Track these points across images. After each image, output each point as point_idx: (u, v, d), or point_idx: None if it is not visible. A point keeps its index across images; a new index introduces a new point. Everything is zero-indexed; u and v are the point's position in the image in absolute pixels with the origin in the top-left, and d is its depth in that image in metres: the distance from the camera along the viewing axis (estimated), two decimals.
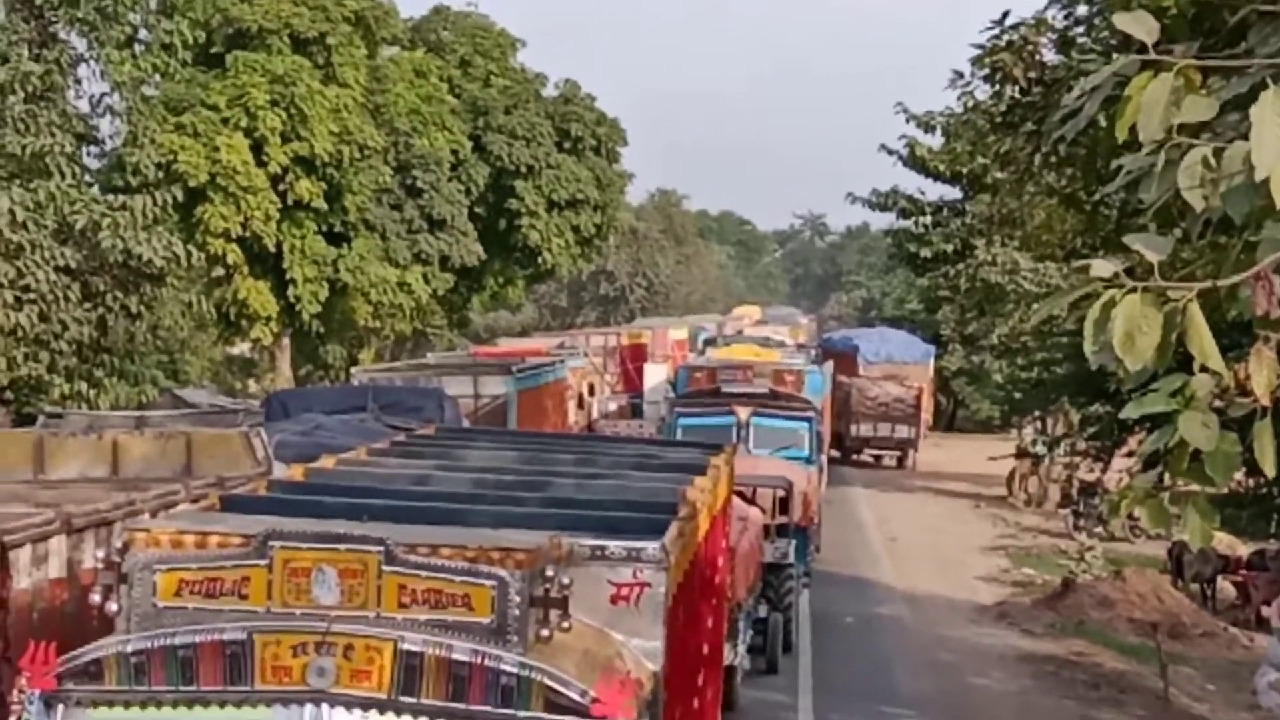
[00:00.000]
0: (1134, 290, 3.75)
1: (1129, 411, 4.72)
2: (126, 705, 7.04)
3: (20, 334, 25.78)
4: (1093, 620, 29.63)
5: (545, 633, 6.95)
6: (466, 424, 30.87)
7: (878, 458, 52.61)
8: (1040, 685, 25.22)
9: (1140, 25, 3.62)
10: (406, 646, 6.76)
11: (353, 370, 42.52)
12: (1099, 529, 37.54)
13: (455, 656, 6.72)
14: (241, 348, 46.54)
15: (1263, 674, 22.77)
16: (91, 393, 28.35)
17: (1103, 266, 3.89)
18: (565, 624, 7.22)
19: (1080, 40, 12.79)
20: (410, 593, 7.08)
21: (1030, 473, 44.60)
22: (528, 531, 8.50)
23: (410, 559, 7.07)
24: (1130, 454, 20.95)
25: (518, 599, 7.00)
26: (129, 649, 7.07)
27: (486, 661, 6.81)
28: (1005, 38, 13.19)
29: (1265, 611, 27.33)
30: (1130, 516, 29.55)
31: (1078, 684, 25.27)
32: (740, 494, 23.94)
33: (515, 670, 6.82)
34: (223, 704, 6.96)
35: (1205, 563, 31.21)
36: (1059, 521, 40.67)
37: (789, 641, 26.52)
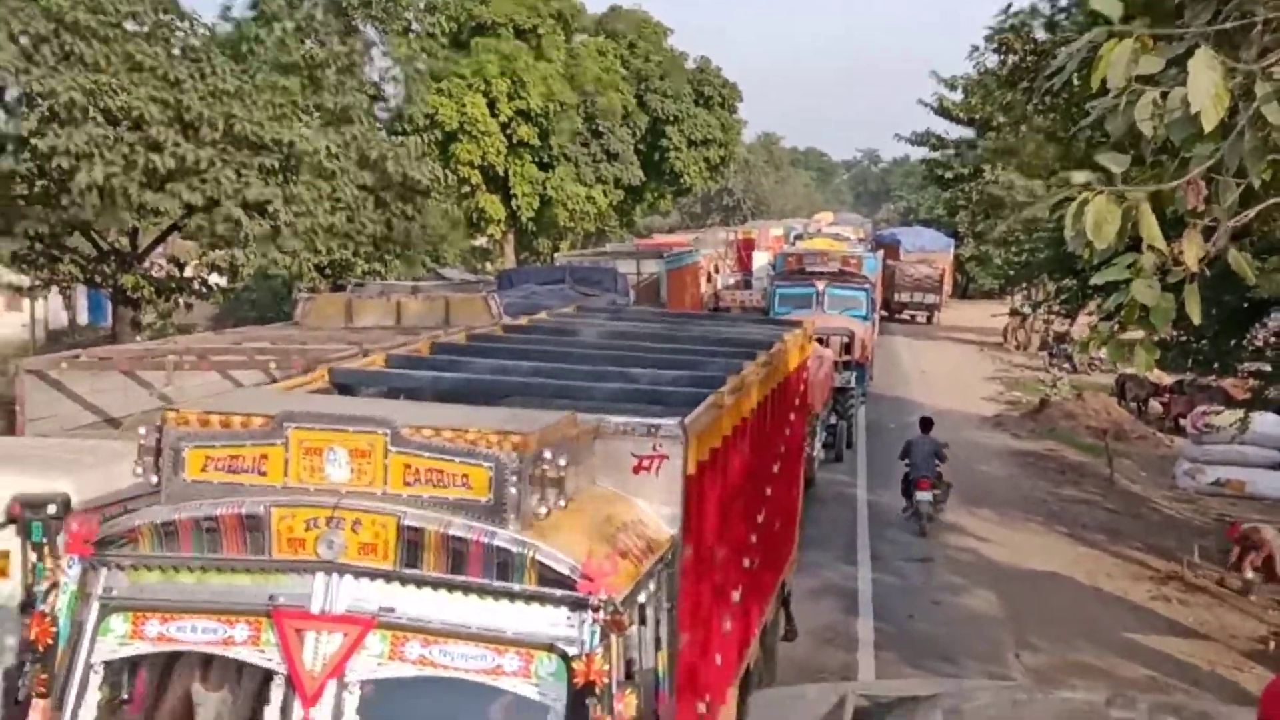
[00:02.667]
0: (1101, 193, 4.09)
1: (1096, 279, 4.84)
2: (160, 570, 6.67)
3: (334, 230, 26.77)
4: (1060, 427, 30.91)
5: (543, 510, 6.23)
6: (633, 294, 31.66)
7: (913, 316, 53.50)
8: (1023, 471, 26.50)
9: (1108, 6, 4.06)
10: (409, 522, 6.18)
11: (555, 255, 44.06)
12: (1066, 365, 38.89)
13: (453, 532, 6.13)
14: (480, 241, 47.36)
15: (1179, 465, 24.88)
16: (381, 270, 29.80)
17: (1079, 176, 4.22)
18: (561, 502, 6.39)
19: (1062, 22, 13.43)
20: (414, 471, 6.41)
21: (1019, 326, 45.08)
22: (552, 413, 7.32)
23: (414, 440, 6.35)
24: (1090, 313, 19.35)
25: (514, 479, 6.20)
26: (159, 519, 6.64)
27: (482, 537, 6.14)
28: (1008, 21, 14.17)
29: (1182, 422, 28.18)
30: (1090, 355, 31.29)
31: (1049, 470, 26.61)
32: (819, 339, 23.81)
33: (509, 546, 6.13)
34: (243, 571, 6.55)
35: (1140, 388, 32.77)
36: (1039, 360, 42.02)
37: (851, 441, 27.68)
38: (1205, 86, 3.85)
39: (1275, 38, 4.26)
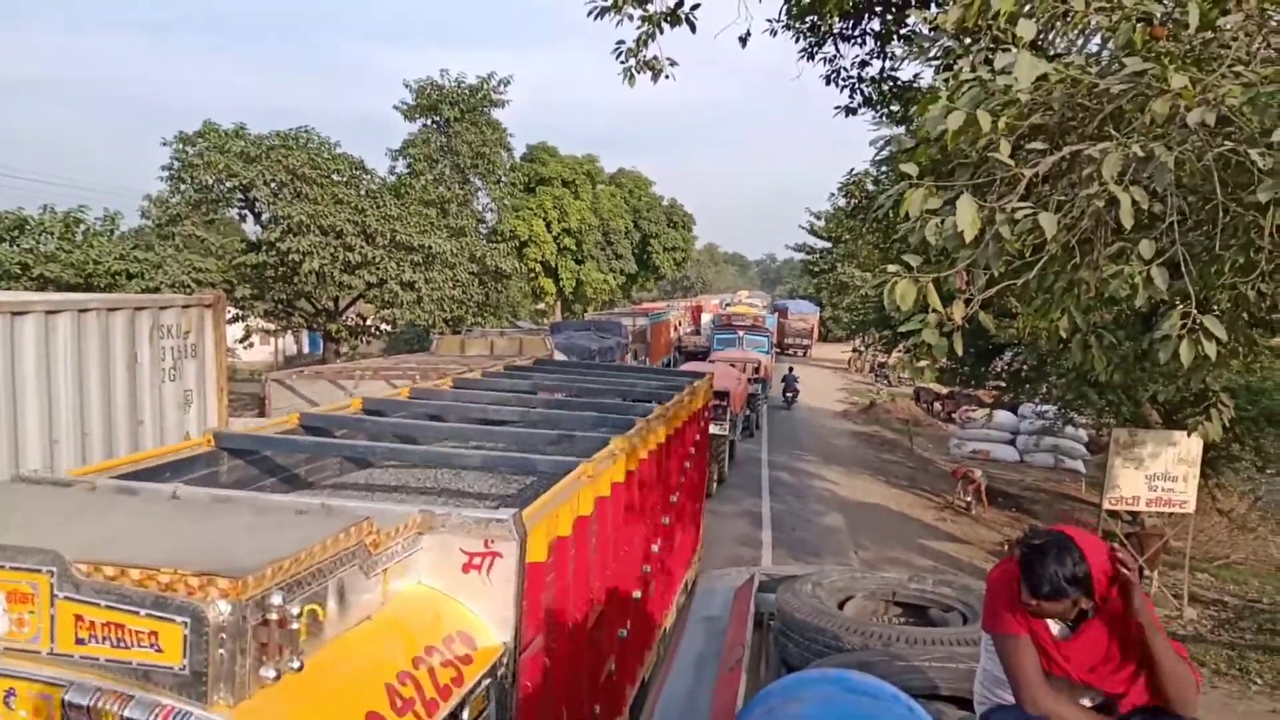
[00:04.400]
0: (905, 278, 4.01)
1: (902, 329, 4.71)
2: None
3: (454, 299, 26.84)
4: (881, 418, 30.97)
5: (271, 674, 2.73)
6: (631, 335, 30.80)
7: (795, 352, 52.16)
8: (858, 443, 26.40)
9: (910, 169, 4.09)
10: (71, 698, 2.65)
11: (585, 314, 44.37)
12: (884, 382, 38.39)
13: (129, 715, 2.61)
14: (540, 306, 46.48)
15: (951, 441, 24.77)
16: (481, 322, 29.45)
17: (892, 268, 4.13)
18: (295, 663, 2.80)
19: (882, 179, 12.37)
20: (89, 626, 2.78)
21: (857, 359, 44.44)
22: (329, 521, 3.33)
23: (89, 582, 2.78)
24: (899, 350, 21.43)
25: (223, 638, 2.72)
26: None
27: None
28: (851, 179, 13.64)
29: (953, 416, 28.97)
30: (899, 374, 31.35)
31: (874, 443, 26.54)
32: (733, 365, 25.30)
33: None
34: None
35: (929, 395, 32.63)
36: (869, 379, 41.76)
37: (758, 425, 26.85)
38: (967, 216, 3.84)
39: (1004, 189, 4.20)
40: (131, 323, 6.58)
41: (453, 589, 3.73)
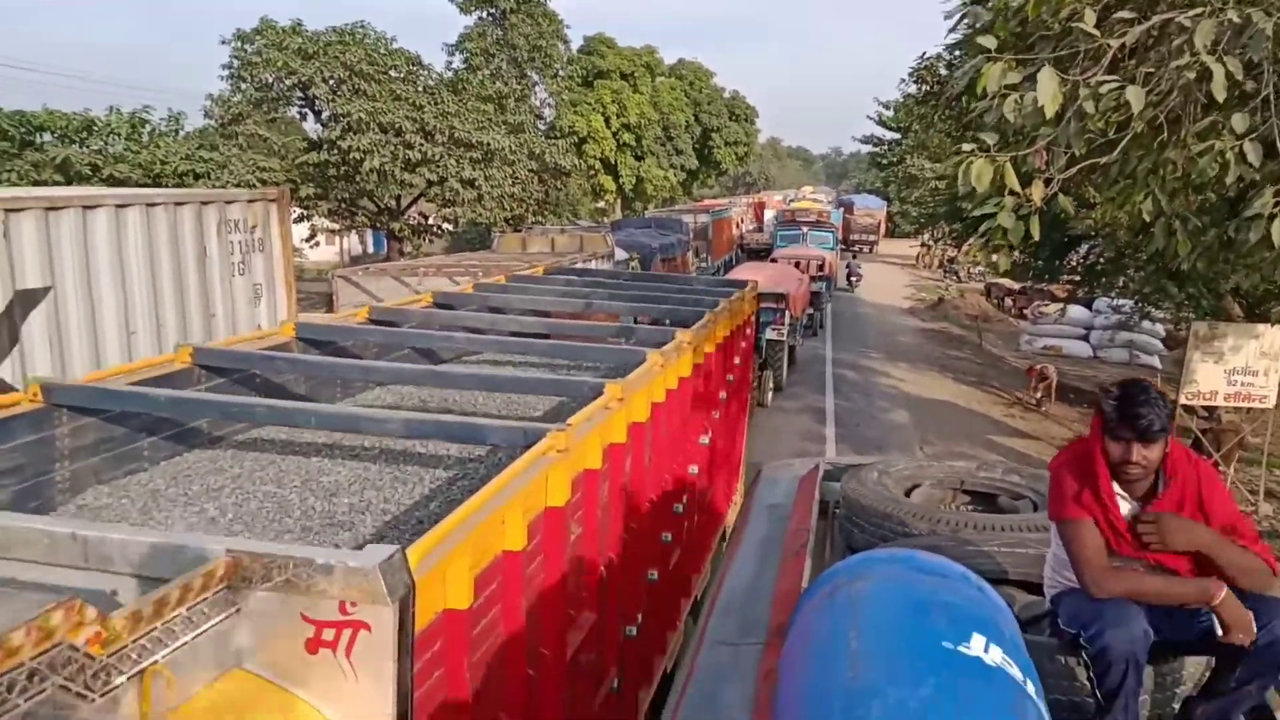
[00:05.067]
0: (981, 157, 3.86)
1: (975, 213, 4.57)
2: None
3: (514, 197, 26.77)
4: (950, 314, 30.18)
5: None
6: (692, 232, 30.83)
7: (860, 249, 50.45)
8: (926, 340, 25.95)
9: (987, 42, 3.93)
10: None
11: (645, 212, 43.28)
12: (954, 277, 37.57)
13: None
14: (600, 204, 45.86)
15: (1022, 337, 24.26)
16: (542, 220, 29.13)
17: (968, 146, 3.99)
18: None
19: (955, 62, 12.05)
20: None
21: (925, 253, 44.50)
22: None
23: None
24: (969, 244, 21.84)
25: None
26: None
27: None
28: (923, 63, 13.47)
29: (1025, 312, 27.70)
30: (970, 264, 30.79)
31: (942, 340, 26.09)
32: (797, 263, 24.81)
33: None
34: None
35: (1000, 291, 31.73)
36: (938, 274, 40.41)
37: (822, 323, 26.19)
38: (1048, 90, 3.70)
39: (1088, 63, 4.05)
40: (199, 217, 6.67)
41: (292, 678, 2.22)
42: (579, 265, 13.35)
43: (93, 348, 5.80)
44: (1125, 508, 3.03)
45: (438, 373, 5.05)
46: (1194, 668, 3.18)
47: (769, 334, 16.99)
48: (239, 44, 24.74)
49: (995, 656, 2.24)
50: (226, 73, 24.86)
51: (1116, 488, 3.04)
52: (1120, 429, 2.94)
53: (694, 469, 6.24)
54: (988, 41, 4.02)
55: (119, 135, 20.49)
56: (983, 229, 4.49)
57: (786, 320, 17.78)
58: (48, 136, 20.14)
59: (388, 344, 5.64)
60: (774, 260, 25.96)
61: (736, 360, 8.04)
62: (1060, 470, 3.13)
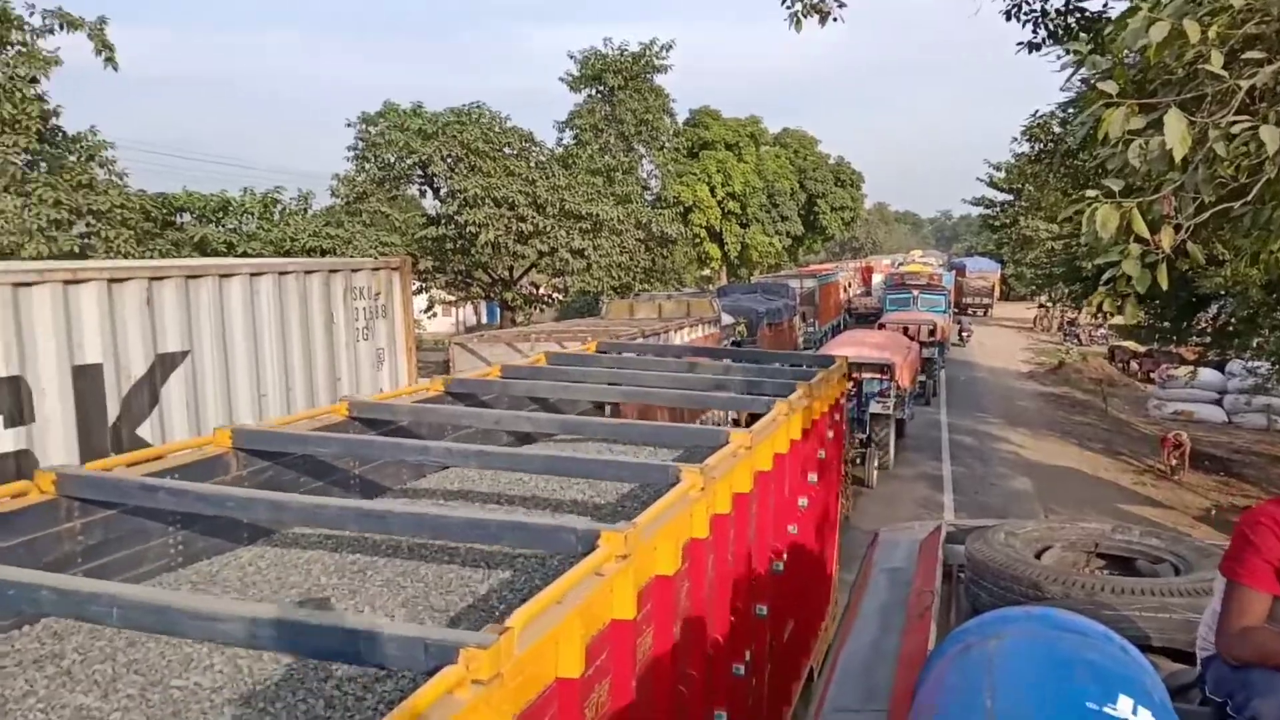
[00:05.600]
0: (1106, 203, 3.77)
1: (1100, 260, 4.25)
2: None
3: (622, 265, 27.14)
4: (1071, 378, 29.44)
5: None
6: (798, 297, 30.30)
7: (974, 312, 49.35)
8: (1047, 405, 25.27)
9: (1109, 87, 3.82)
10: None
11: (751, 278, 42.69)
12: (1075, 339, 36.49)
13: None
14: (705, 271, 45.65)
15: (1150, 401, 23.59)
16: (648, 288, 29.04)
17: (1092, 192, 3.89)
18: None
19: (1069, 118, 10.96)
20: None
21: (1043, 316, 43.52)
22: None
23: None
24: (1089, 303, 21.08)
25: None
26: None
27: None
28: (1036, 121, 12.55)
29: (1152, 375, 26.82)
30: (1092, 326, 29.57)
31: (1064, 405, 25.34)
32: (906, 329, 23.87)
33: None
34: None
35: (1125, 354, 30.61)
36: (1057, 337, 39.42)
37: (936, 391, 25.44)
38: (1176, 133, 3.56)
39: (1216, 106, 3.88)
40: (327, 284, 6.97)
41: None
42: (637, 341, 11.89)
43: (226, 409, 6.07)
44: None
45: (506, 454, 4.74)
46: None
47: (874, 407, 16.11)
48: (363, 126, 26.02)
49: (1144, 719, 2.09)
50: (351, 153, 26.13)
51: None
52: None
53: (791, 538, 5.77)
54: (1109, 87, 3.88)
55: (252, 214, 21.61)
56: (1106, 277, 4.25)
57: (893, 392, 16.74)
58: (187, 216, 21.37)
59: (452, 422, 5.31)
60: (881, 326, 25.36)
61: (828, 437, 7.05)
62: (1258, 526, 2.78)
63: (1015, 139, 15.18)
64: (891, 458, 17.02)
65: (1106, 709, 2.05)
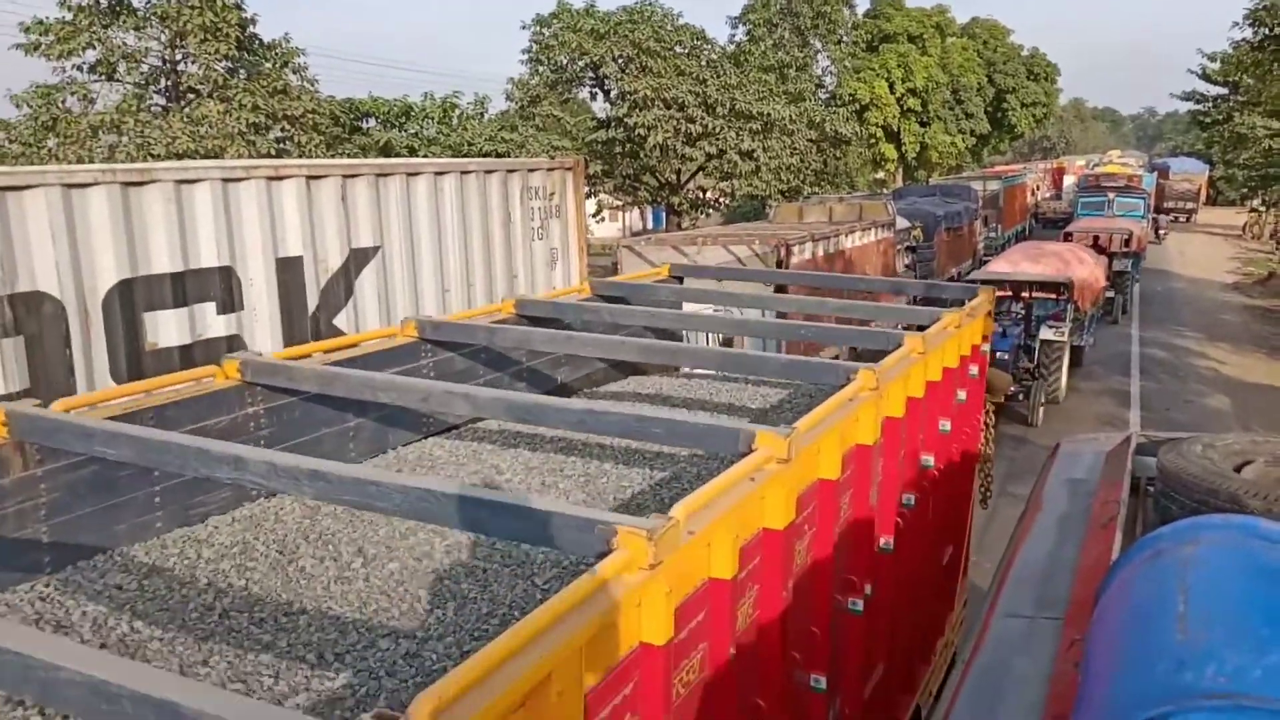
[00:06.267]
0: None
1: None
2: None
3: (792, 168, 26.49)
4: None
5: None
6: (981, 200, 28.60)
7: (1176, 218, 46.29)
8: (1253, 319, 23.44)
9: None
10: None
11: (930, 180, 40.71)
12: None
13: None
14: (880, 175, 44.35)
15: None
16: (819, 190, 28.68)
17: None
18: None
19: None
20: None
21: (1255, 222, 40.29)
22: None
23: None
24: None
25: None
26: None
27: None
28: (1264, 3, 13.84)
29: None
30: None
31: (1273, 319, 23.39)
32: (1096, 239, 22.02)
33: None
34: None
35: None
36: (1269, 245, 36.42)
37: (1126, 308, 23.08)
38: None
39: None
40: (505, 184, 7.15)
41: None
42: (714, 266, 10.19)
43: (414, 302, 6.39)
44: None
45: (674, 349, 4.97)
46: None
47: (1045, 333, 14.67)
48: (538, 28, 26.16)
49: None
50: (525, 56, 26.38)
51: None
52: None
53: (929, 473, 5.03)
54: None
55: (432, 119, 22.30)
56: None
57: (1070, 315, 15.07)
58: (372, 122, 22.26)
59: (616, 320, 5.31)
60: (1067, 235, 23.26)
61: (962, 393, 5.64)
62: None
63: (1236, 24, 13.82)
64: (1063, 390, 15.37)
65: None
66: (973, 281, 14.23)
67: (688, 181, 28.58)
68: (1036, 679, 3.15)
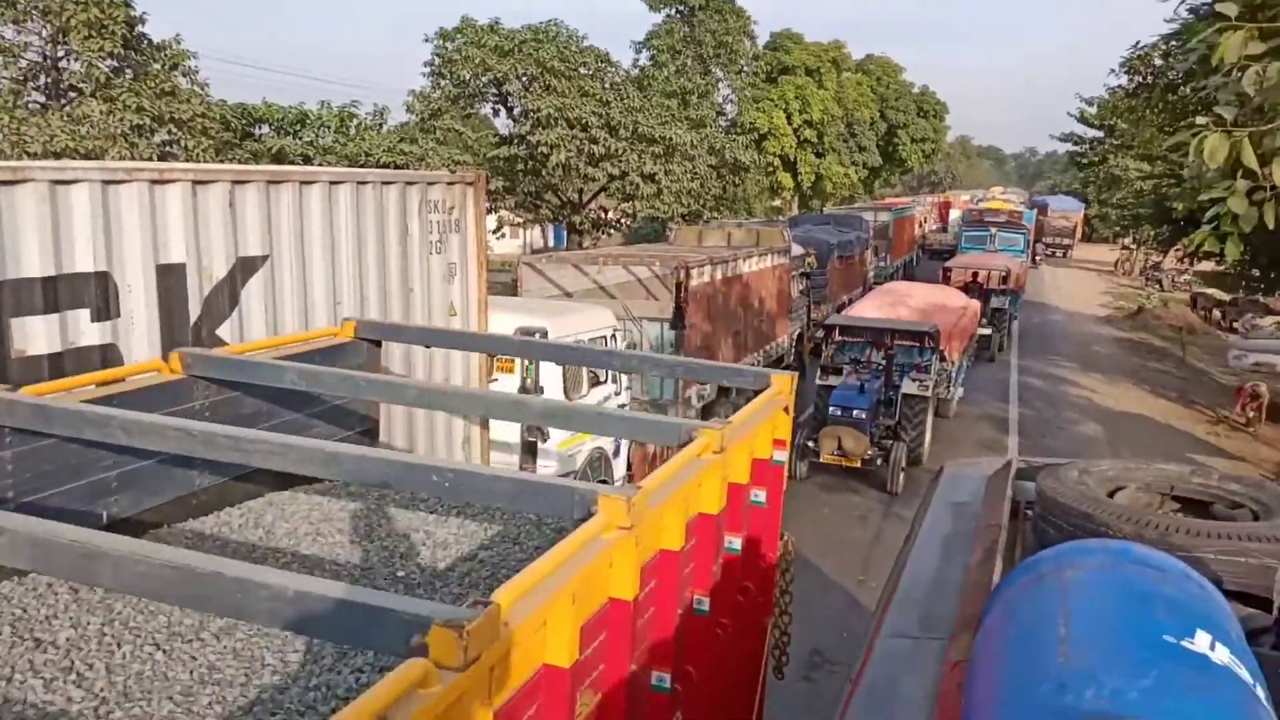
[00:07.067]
0: (1216, 131, 3.57)
1: (1207, 195, 4.06)
2: None
3: (692, 192, 26.70)
4: (1150, 324, 28.61)
5: None
6: (871, 230, 29.03)
7: (1054, 253, 48.56)
8: (1123, 350, 24.73)
9: (1228, 9, 3.61)
10: None
11: (824, 209, 41.81)
12: (1157, 285, 35.53)
13: None
14: (777, 202, 45.47)
15: (1231, 351, 22.43)
16: (718, 215, 29.22)
17: (1201, 120, 3.69)
18: None
19: (1177, 45, 11.19)
20: None
21: (1126, 259, 42.51)
22: None
23: None
24: (1177, 249, 20.43)
25: None
26: None
27: None
28: (1136, 52, 12.37)
29: (1235, 325, 26.48)
30: (1179, 272, 28.54)
31: (1141, 351, 24.82)
32: (975, 275, 22.51)
33: None
34: None
35: (1207, 301, 29.63)
36: (1139, 282, 38.44)
37: (1003, 346, 22.89)
38: None
39: None
40: (403, 197, 7.00)
41: None
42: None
43: (303, 314, 6.18)
44: None
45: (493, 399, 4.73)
46: None
47: (907, 385, 13.39)
48: (441, 42, 25.88)
49: (1222, 656, 2.06)
50: (428, 69, 26.05)
51: None
52: None
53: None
54: (1228, 9, 3.65)
55: (329, 128, 21.80)
56: (1210, 214, 4.14)
57: (935, 367, 13.84)
58: (265, 129, 21.64)
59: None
60: (946, 272, 23.53)
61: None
62: None
63: (1113, 71, 14.45)
64: (926, 449, 13.67)
65: (1184, 642, 2.02)
66: (830, 326, 14.25)
67: (589, 201, 28.62)
68: (922, 700, 3.19)
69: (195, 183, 5.55)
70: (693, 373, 5.78)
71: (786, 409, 4.33)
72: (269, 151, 20.14)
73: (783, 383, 4.34)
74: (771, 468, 4.26)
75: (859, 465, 12.35)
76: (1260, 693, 2.03)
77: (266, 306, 5.97)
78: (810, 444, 12.76)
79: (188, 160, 16.82)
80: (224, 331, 5.80)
